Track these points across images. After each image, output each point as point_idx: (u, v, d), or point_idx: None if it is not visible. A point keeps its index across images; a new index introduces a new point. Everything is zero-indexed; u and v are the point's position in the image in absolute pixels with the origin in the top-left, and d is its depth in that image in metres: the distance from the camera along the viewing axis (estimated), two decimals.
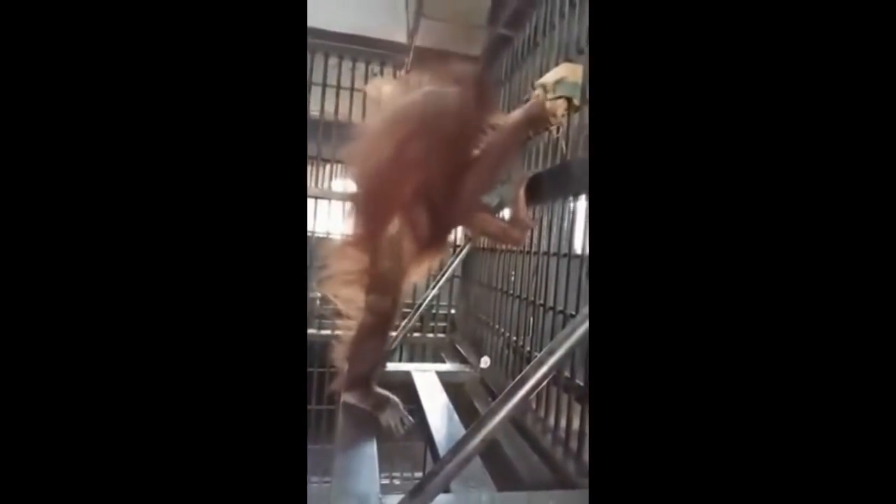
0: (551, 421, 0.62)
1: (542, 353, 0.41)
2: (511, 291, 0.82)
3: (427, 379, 0.81)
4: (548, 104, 0.55)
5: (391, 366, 0.86)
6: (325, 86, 1.06)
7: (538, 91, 0.59)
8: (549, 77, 0.56)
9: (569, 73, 0.55)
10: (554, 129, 0.60)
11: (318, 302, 1.15)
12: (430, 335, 1.19)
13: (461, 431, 0.61)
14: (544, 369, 0.40)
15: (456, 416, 0.66)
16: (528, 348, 0.73)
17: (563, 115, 0.57)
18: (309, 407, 1.14)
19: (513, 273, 0.82)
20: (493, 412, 0.40)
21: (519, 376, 0.41)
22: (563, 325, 0.60)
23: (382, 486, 0.45)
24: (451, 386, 0.81)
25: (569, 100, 0.55)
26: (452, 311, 1.22)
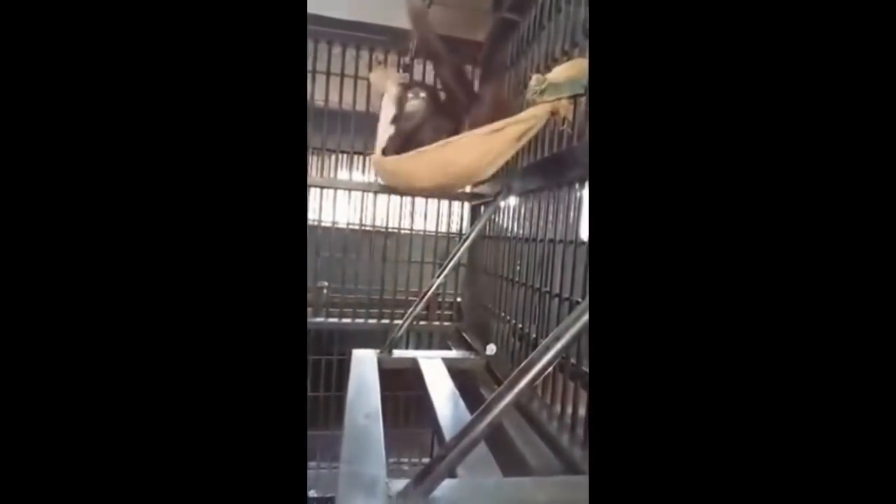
0: (557, 408, 0.62)
1: (548, 338, 0.41)
2: (517, 279, 0.81)
3: (433, 366, 0.81)
4: (558, 103, 0.55)
5: (397, 353, 0.86)
6: (329, 74, 1.05)
7: (533, 83, 0.58)
8: (558, 76, 0.55)
9: (576, 72, 0.54)
10: (561, 120, 0.59)
11: (325, 291, 1.16)
12: (437, 323, 1.19)
13: (467, 417, 0.61)
14: (550, 355, 0.40)
15: (462, 403, 0.67)
16: (535, 335, 0.73)
17: (571, 109, 0.57)
18: (317, 394, 1.16)
19: (519, 262, 0.81)
20: (499, 397, 0.40)
21: (524, 362, 0.41)
22: (570, 312, 0.60)
23: (390, 471, 0.46)
24: (458, 373, 0.82)
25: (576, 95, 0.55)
26: (458, 300, 1.22)
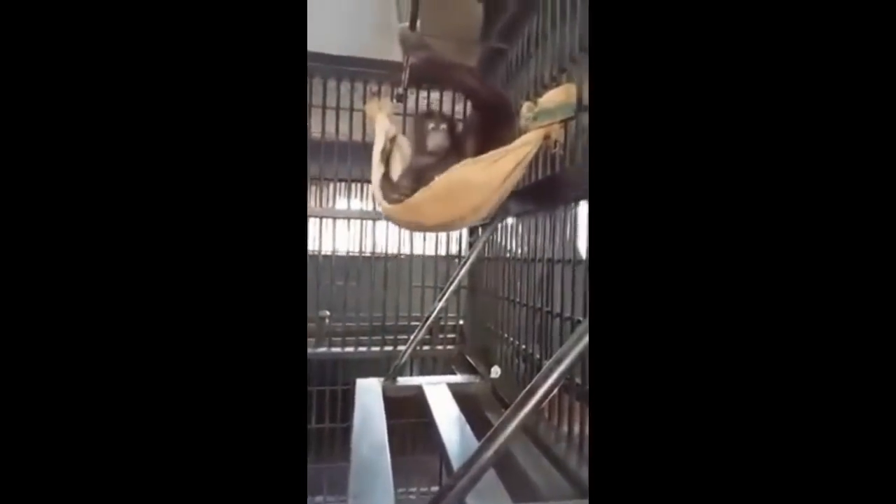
0: (564, 429, 0.61)
1: (551, 361, 0.41)
2: (518, 300, 0.82)
3: (438, 392, 0.81)
4: (550, 127, 0.57)
5: (402, 380, 0.86)
6: (324, 108, 1.08)
7: (524, 110, 0.60)
8: (550, 101, 0.57)
9: (566, 96, 0.56)
10: (553, 143, 0.61)
11: (327, 321, 1.16)
12: (440, 347, 1.19)
13: (474, 443, 0.60)
14: (553, 378, 0.40)
15: (468, 429, 0.66)
16: (539, 356, 0.72)
17: (562, 132, 0.59)
18: (322, 425, 1.14)
19: (519, 281, 0.82)
20: (505, 423, 0.40)
21: (528, 386, 0.41)
22: (572, 331, 0.60)
23: (398, 501, 0.45)
24: (463, 398, 0.81)
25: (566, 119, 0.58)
26: (461, 322, 1.22)
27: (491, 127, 0.75)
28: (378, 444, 0.55)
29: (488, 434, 0.40)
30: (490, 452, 0.39)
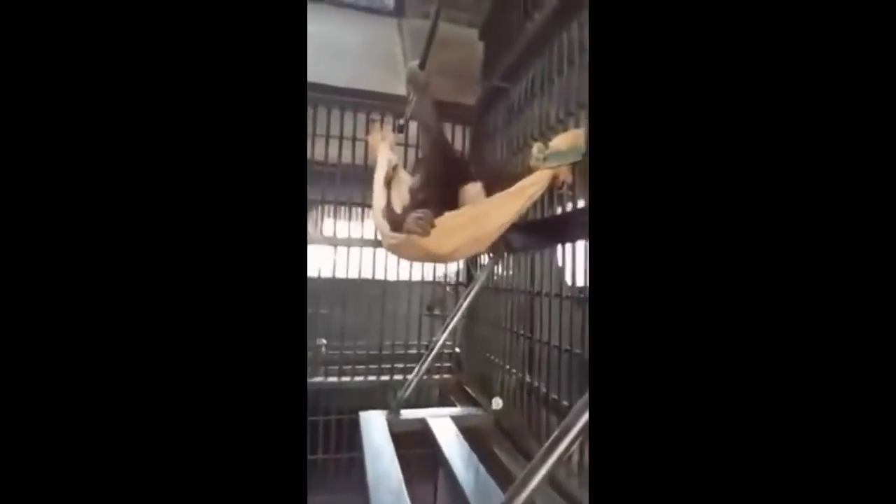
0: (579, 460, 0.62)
1: (580, 402, 0.42)
2: (523, 332, 0.82)
3: (444, 426, 0.80)
4: (559, 169, 0.60)
5: (405, 413, 0.85)
6: (328, 136, 1.09)
7: (535, 151, 0.63)
8: (561, 144, 0.60)
9: (576, 141, 0.59)
10: (560, 185, 0.64)
11: (323, 349, 1.14)
12: (437, 376, 1.18)
13: (489, 481, 0.60)
14: (584, 420, 0.41)
15: (482, 466, 0.65)
16: (545, 390, 0.73)
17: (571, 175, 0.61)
18: (316, 456, 1.11)
19: (524, 314, 0.83)
20: (533, 471, 0.40)
21: (555, 433, 0.41)
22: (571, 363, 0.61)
23: None
24: (466, 430, 0.80)
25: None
26: (457, 350, 1.22)
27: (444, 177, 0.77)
28: (396, 490, 0.54)
29: (515, 484, 0.41)
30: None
